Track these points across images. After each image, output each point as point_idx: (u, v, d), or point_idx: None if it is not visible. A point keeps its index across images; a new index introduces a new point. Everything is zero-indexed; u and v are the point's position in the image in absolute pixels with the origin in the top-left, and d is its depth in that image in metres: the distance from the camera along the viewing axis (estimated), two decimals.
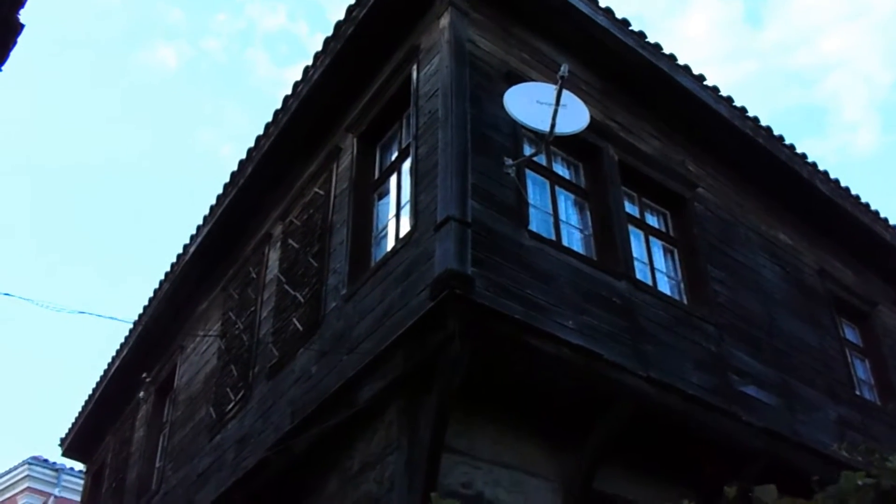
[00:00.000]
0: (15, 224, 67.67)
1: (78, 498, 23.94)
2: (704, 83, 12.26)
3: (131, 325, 17.02)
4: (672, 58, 11.86)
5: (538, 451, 9.10)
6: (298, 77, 12.04)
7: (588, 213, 10.62)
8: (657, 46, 11.75)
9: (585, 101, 9.66)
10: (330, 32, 11.39)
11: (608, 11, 11.26)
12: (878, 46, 52.95)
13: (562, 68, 8.69)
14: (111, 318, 14.58)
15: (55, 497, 27.68)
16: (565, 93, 8.88)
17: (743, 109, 12.75)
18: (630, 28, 11.49)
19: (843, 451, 6.08)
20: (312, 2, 60.75)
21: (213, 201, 14.29)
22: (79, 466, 24.61)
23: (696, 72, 12.11)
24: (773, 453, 10.31)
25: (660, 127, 11.97)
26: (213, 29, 61.80)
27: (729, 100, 12.59)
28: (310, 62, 11.84)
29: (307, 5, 61.21)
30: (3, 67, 8.95)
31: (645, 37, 11.63)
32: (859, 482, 3.51)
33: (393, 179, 10.69)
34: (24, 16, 8.53)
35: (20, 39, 8.67)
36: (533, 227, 9.45)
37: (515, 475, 8.84)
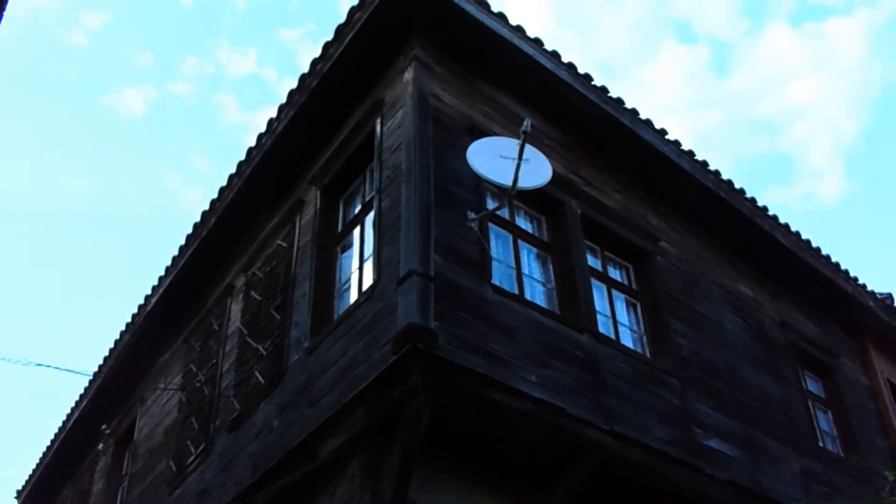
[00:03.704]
0: None
1: None
2: (666, 137, 12.40)
3: (91, 377, 16.91)
4: (634, 112, 12.01)
5: None
6: (265, 124, 12.08)
7: (551, 267, 10.67)
8: (619, 101, 11.89)
9: (548, 155, 9.73)
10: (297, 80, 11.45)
11: (570, 66, 11.38)
12: (843, 94, 53.63)
13: (524, 123, 8.74)
14: (69, 370, 14.33)
15: None
16: (528, 147, 8.93)
17: (704, 163, 12.90)
18: (592, 83, 11.62)
19: None
20: (282, 48, 60.87)
21: (176, 252, 14.25)
22: None
23: (660, 122, 12.34)
24: None
25: (622, 181, 12.09)
26: (182, 73, 61.73)
27: (691, 153, 12.74)
28: (276, 110, 11.88)
29: (277, 51, 61.30)
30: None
31: (607, 91, 11.77)
32: None
33: (356, 232, 10.71)
34: None
35: None
36: (496, 280, 9.49)
37: None
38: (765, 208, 13.83)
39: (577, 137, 11.63)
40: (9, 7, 7.04)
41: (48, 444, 19.31)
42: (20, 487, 20.86)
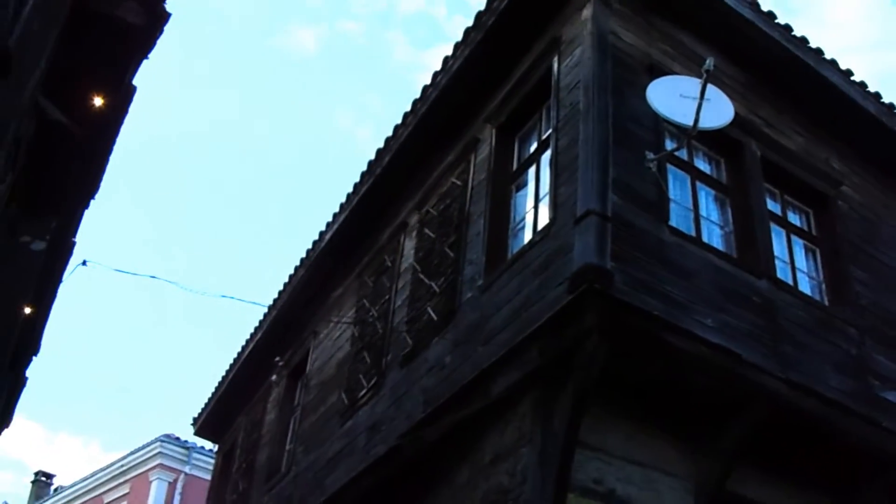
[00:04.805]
0: (161, 209, 69.52)
1: (208, 476, 24.50)
2: (851, 78, 11.95)
3: (266, 310, 17.36)
4: (818, 52, 11.60)
5: (671, 450, 9.02)
6: (436, 62, 12.14)
7: (729, 210, 10.48)
8: (803, 40, 11.49)
9: (729, 96, 9.52)
10: (469, 16, 11.52)
11: (753, 3, 11.05)
12: None
13: (707, 62, 8.60)
14: (251, 302, 14.82)
15: (185, 474, 28.42)
16: (709, 87, 8.79)
17: (891, 106, 12.40)
18: (776, 20, 11.27)
19: None
20: None
21: (350, 189, 14.46)
22: (209, 446, 25.22)
23: (843, 65, 11.83)
24: None
25: (804, 123, 11.72)
26: (352, 11, 62.46)
27: (877, 95, 12.26)
28: (447, 46, 11.96)
29: None
30: (149, 55, 9.24)
31: (791, 29, 11.39)
32: None
33: (531, 171, 10.69)
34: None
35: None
36: (673, 222, 9.36)
37: (648, 473, 8.79)
38: None
39: (758, 77, 11.30)
40: None
41: (223, 374, 19.94)
42: (195, 416, 21.62)
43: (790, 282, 10.52)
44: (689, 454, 9.08)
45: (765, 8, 11.17)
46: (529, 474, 8.20)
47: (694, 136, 9.01)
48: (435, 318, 11.04)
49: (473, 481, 9.17)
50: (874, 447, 9.88)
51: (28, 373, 14.72)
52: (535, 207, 10.18)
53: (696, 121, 8.67)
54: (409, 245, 12.90)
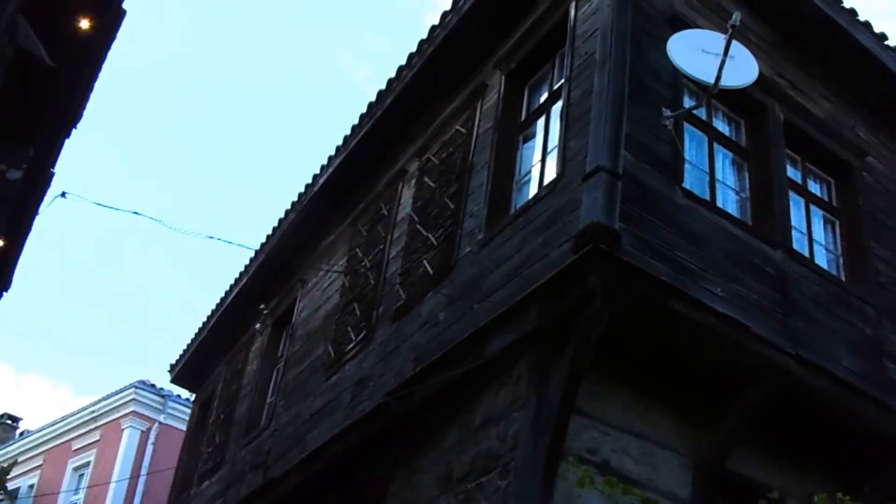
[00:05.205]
0: (148, 144, 69.43)
1: (183, 427, 24.59)
2: (885, 43, 11.92)
3: (253, 253, 17.42)
4: (852, 12, 11.54)
5: (671, 423, 9.09)
6: (445, 5, 12.05)
7: (746, 175, 10.49)
8: None
9: (754, 54, 9.49)
10: None
11: None
12: None
13: (734, 16, 8.56)
14: (238, 244, 14.76)
15: (160, 424, 28.41)
16: (734, 43, 8.77)
17: None
18: None
19: None
20: None
21: (348, 131, 14.45)
22: (186, 395, 25.27)
23: (877, 28, 11.79)
24: None
25: (832, 87, 11.70)
26: None
27: None
28: None
29: None
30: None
31: None
32: None
33: (541, 122, 10.70)
34: None
35: None
36: (687, 184, 9.36)
37: (645, 445, 8.86)
38: None
39: (786, 36, 11.26)
40: None
41: (205, 319, 20.00)
42: (173, 362, 21.65)
43: (806, 254, 10.55)
44: (689, 428, 9.13)
45: None
46: (521, 439, 8.25)
47: (714, 95, 9.00)
48: (430, 271, 11.07)
49: (462, 444, 9.23)
50: (885, 432, 9.91)
51: None
52: (543, 161, 10.20)
53: (718, 78, 8.65)
54: (407, 194, 12.92)
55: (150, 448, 27.89)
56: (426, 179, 12.33)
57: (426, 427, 9.96)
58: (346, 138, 14.54)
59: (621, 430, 8.73)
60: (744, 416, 9.06)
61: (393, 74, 13.33)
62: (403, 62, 13.08)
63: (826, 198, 11.54)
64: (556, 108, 10.17)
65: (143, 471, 26.97)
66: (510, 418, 8.54)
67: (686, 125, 9.87)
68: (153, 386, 28.61)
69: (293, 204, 16.19)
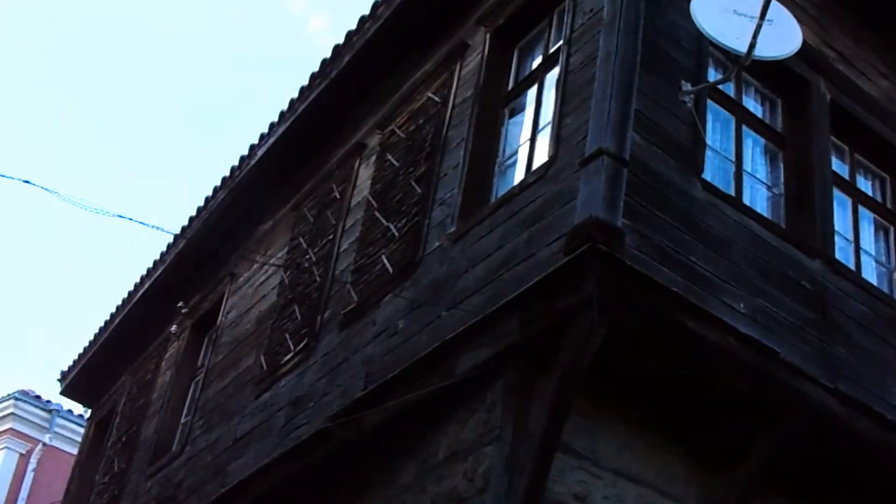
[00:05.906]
0: (50, 100, 68.91)
1: (74, 449, 24.47)
2: None
3: (172, 239, 17.29)
4: None
5: (678, 466, 9.10)
6: None
7: (781, 166, 10.57)
8: None
9: (798, 19, 9.58)
10: None
11: None
12: None
13: None
14: (154, 226, 14.65)
15: (44, 445, 28.26)
16: (773, 4, 8.80)
17: None
18: None
19: None
20: None
21: (295, 94, 14.46)
22: (79, 410, 25.17)
23: None
24: None
25: (891, 63, 11.80)
26: None
27: None
28: None
29: None
30: None
31: None
32: None
33: (532, 92, 10.74)
34: None
35: None
36: (707, 175, 9.42)
37: (644, 493, 8.85)
38: None
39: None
40: None
41: (107, 317, 19.89)
42: (65, 369, 21.51)
43: (852, 266, 10.64)
44: (701, 473, 9.15)
45: None
46: (493, 479, 8.21)
47: (746, 67, 9.07)
48: (390, 269, 11.11)
49: (421, 483, 9.21)
50: None
51: None
52: (532, 140, 10.23)
53: (752, 47, 8.68)
54: (364, 173, 12.94)
55: (30, 475, 27.77)
56: (389, 157, 12.35)
57: (377, 460, 9.95)
58: (292, 102, 14.54)
59: (616, 474, 8.71)
60: (767, 461, 9.08)
61: (353, 26, 13.33)
62: (367, 12, 13.06)
63: (879, 198, 11.65)
64: (552, 75, 10.22)
65: (21, 503, 26.85)
66: (480, 453, 8.49)
67: (710, 102, 9.94)
68: (38, 398, 28.47)
69: (224, 180, 16.17)
